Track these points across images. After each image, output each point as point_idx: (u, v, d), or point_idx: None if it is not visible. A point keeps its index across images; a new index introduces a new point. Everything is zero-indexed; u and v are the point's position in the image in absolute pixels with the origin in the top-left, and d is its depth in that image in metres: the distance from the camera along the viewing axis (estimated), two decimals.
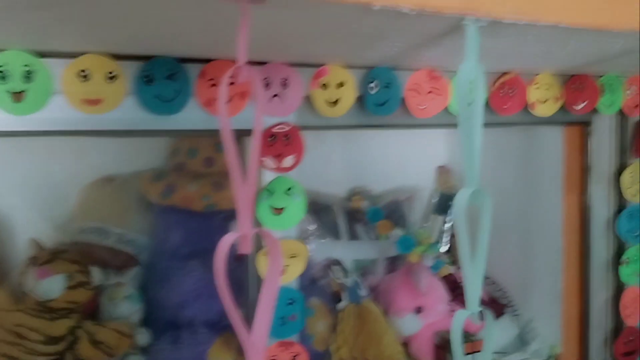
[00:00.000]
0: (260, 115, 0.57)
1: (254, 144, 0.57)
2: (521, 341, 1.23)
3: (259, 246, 0.86)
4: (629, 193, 1.13)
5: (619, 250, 1.17)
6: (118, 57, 0.75)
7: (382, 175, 1.44)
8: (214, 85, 0.79)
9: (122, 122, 0.76)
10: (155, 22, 0.59)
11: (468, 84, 0.56)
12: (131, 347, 0.96)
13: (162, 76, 0.77)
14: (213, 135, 1.02)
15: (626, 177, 1.13)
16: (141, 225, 1.04)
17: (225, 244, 0.53)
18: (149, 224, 1.05)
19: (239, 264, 1.02)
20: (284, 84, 0.83)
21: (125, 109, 0.76)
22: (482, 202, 0.59)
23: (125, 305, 0.98)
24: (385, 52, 0.78)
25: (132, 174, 1.10)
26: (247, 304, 0.90)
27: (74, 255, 0.94)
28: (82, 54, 0.73)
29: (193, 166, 1.02)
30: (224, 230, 1.03)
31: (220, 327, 0.95)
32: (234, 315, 0.55)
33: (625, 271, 1.15)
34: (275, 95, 0.83)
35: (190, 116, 0.80)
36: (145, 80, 0.76)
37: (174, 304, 0.95)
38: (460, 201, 0.57)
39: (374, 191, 1.39)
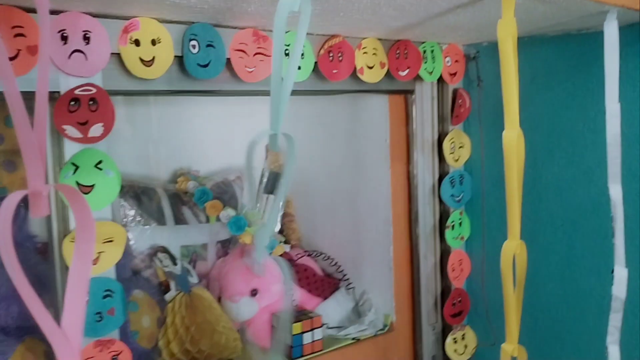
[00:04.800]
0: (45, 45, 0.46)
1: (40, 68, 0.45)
2: (357, 313, 1.22)
3: (65, 232, 0.72)
4: (450, 159, 1.17)
5: (444, 216, 1.20)
6: None
7: (207, 156, 1.34)
8: None
9: None
10: None
11: (287, 14, 0.49)
12: None
13: None
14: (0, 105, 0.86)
15: (447, 144, 1.17)
16: None
17: (10, 203, 0.41)
18: None
19: (43, 257, 0.87)
20: (86, 38, 0.71)
21: None
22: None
23: None
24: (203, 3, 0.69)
25: None
26: (56, 304, 0.76)
27: None
28: None
29: None
30: (23, 219, 0.88)
31: (23, 331, 0.80)
32: (33, 303, 0.43)
33: (450, 235, 1.19)
34: (75, 51, 0.70)
35: None
36: None
37: None
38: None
39: (200, 172, 1.29)
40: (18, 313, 0.79)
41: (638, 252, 0.96)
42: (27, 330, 0.81)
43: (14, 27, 0.66)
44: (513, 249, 0.77)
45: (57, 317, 0.76)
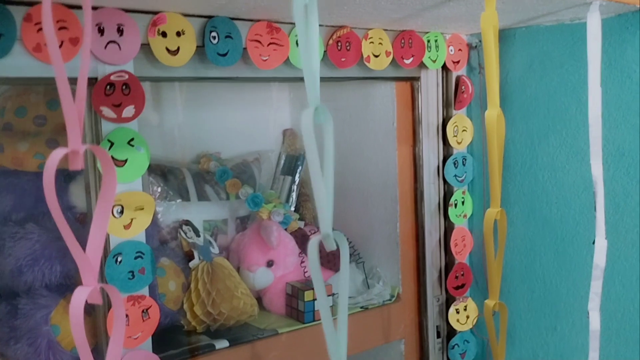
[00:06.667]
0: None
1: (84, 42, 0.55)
2: (366, 285, 1.31)
3: None
4: (453, 142, 1.25)
5: (447, 195, 1.29)
6: None
7: (228, 141, 1.44)
8: (41, 29, 0.75)
9: None
10: None
11: (303, 5, 0.58)
12: None
13: None
14: (45, 91, 0.97)
15: (450, 127, 1.25)
16: None
17: (54, 159, 0.51)
18: None
19: (81, 225, 0.98)
20: (119, 30, 0.81)
21: None
22: (325, 120, 0.62)
23: None
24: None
25: None
26: None
27: None
28: None
29: (22, 126, 0.96)
30: (63, 191, 0.99)
31: (64, 289, 0.91)
32: (67, 232, 0.54)
33: (453, 213, 1.27)
34: (110, 42, 0.80)
35: (17, 63, 0.75)
36: None
37: (9, 271, 0.89)
38: (307, 120, 0.59)
39: (221, 154, 1.39)
40: (60, 272, 0.90)
41: (621, 225, 1.03)
42: (68, 287, 0.92)
43: (58, 21, 0.76)
44: (494, 215, 0.86)
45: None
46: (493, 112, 0.80)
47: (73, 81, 0.75)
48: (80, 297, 0.54)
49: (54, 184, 0.56)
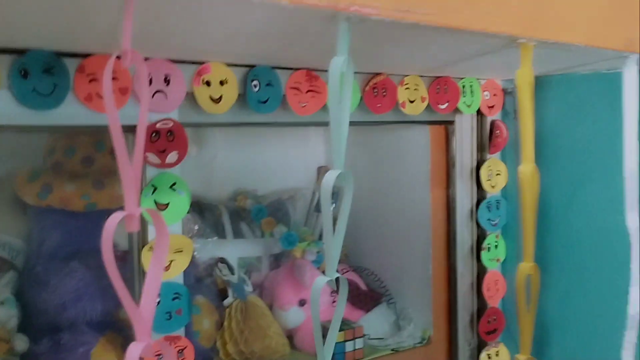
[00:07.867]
0: (145, 87, 0.59)
1: (140, 118, 0.58)
2: (397, 327, 1.31)
3: (143, 242, 0.86)
4: (487, 185, 1.26)
5: (480, 238, 1.29)
6: None
7: (265, 178, 1.48)
8: (93, 80, 0.79)
9: None
10: (30, 13, 0.58)
11: (339, 75, 0.61)
12: (8, 354, 0.92)
13: (39, 70, 0.75)
14: (92, 132, 1.02)
15: (484, 171, 1.25)
16: (16, 228, 1.00)
17: (112, 222, 0.54)
18: (25, 226, 1.01)
19: (123, 263, 1.01)
20: (166, 80, 0.85)
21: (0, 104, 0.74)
22: (346, 183, 0.65)
23: (0, 311, 0.93)
24: (265, 51, 0.82)
25: (4, 176, 1.05)
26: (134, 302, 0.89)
27: None
28: None
29: (71, 166, 1.00)
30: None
31: (104, 326, 0.94)
32: (122, 289, 0.56)
33: (486, 257, 1.27)
34: (157, 92, 0.84)
35: (69, 111, 0.78)
36: (21, 73, 0.74)
37: (53, 306, 0.92)
38: (328, 181, 0.63)
39: (258, 191, 1.42)
40: (101, 310, 0.93)
41: None
42: (108, 324, 0.95)
43: None
44: (527, 270, 0.86)
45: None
46: (527, 168, 0.81)
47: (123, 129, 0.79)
48: (134, 353, 0.56)
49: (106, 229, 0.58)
